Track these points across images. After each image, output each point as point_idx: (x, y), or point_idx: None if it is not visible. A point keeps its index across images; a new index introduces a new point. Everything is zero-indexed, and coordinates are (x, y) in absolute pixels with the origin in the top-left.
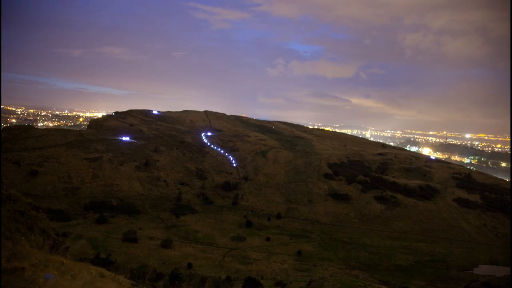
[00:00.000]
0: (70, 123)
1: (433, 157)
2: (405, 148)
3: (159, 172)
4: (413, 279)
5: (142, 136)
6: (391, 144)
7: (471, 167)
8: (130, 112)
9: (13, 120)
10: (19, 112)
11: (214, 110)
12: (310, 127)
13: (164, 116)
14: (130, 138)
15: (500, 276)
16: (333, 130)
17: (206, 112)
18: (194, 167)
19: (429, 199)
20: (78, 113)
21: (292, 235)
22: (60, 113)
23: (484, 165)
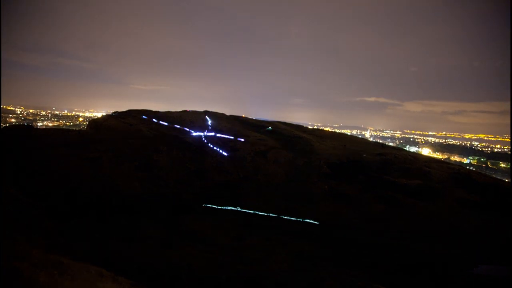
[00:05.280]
0: (70, 122)
1: (432, 157)
2: (405, 148)
3: (159, 172)
4: (413, 279)
5: (142, 136)
6: (391, 144)
7: (471, 168)
8: (130, 112)
9: (13, 120)
10: (18, 112)
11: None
12: (310, 127)
13: (164, 116)
14: (129, 138)
15: (500, 276)
16: (333, 130)
17: (205, 112)
18: (194, 167)
19: (429, 199)
20: (77, 113)
21: (292, 235)
22: (59, 113)
23: (483, 165)
